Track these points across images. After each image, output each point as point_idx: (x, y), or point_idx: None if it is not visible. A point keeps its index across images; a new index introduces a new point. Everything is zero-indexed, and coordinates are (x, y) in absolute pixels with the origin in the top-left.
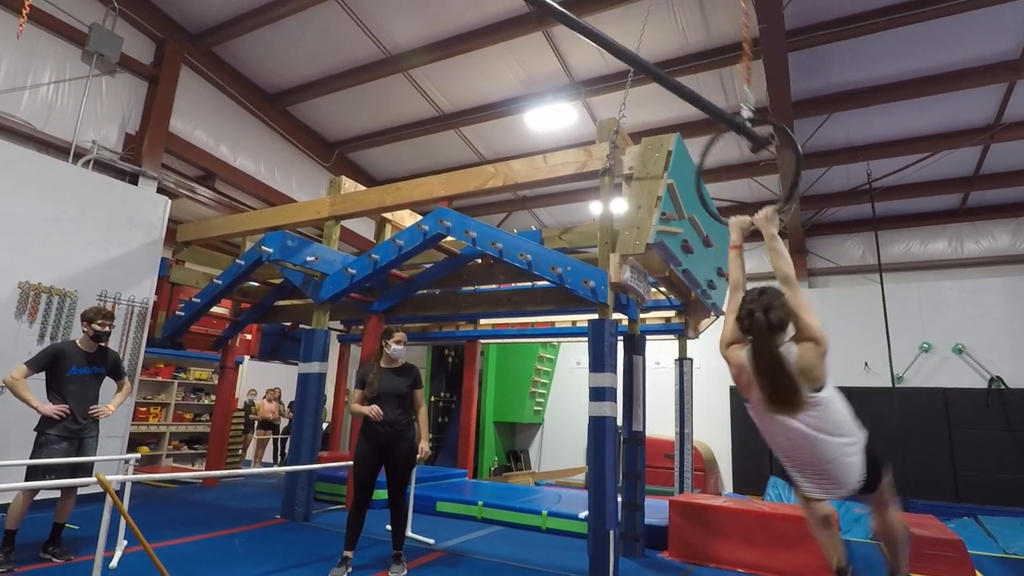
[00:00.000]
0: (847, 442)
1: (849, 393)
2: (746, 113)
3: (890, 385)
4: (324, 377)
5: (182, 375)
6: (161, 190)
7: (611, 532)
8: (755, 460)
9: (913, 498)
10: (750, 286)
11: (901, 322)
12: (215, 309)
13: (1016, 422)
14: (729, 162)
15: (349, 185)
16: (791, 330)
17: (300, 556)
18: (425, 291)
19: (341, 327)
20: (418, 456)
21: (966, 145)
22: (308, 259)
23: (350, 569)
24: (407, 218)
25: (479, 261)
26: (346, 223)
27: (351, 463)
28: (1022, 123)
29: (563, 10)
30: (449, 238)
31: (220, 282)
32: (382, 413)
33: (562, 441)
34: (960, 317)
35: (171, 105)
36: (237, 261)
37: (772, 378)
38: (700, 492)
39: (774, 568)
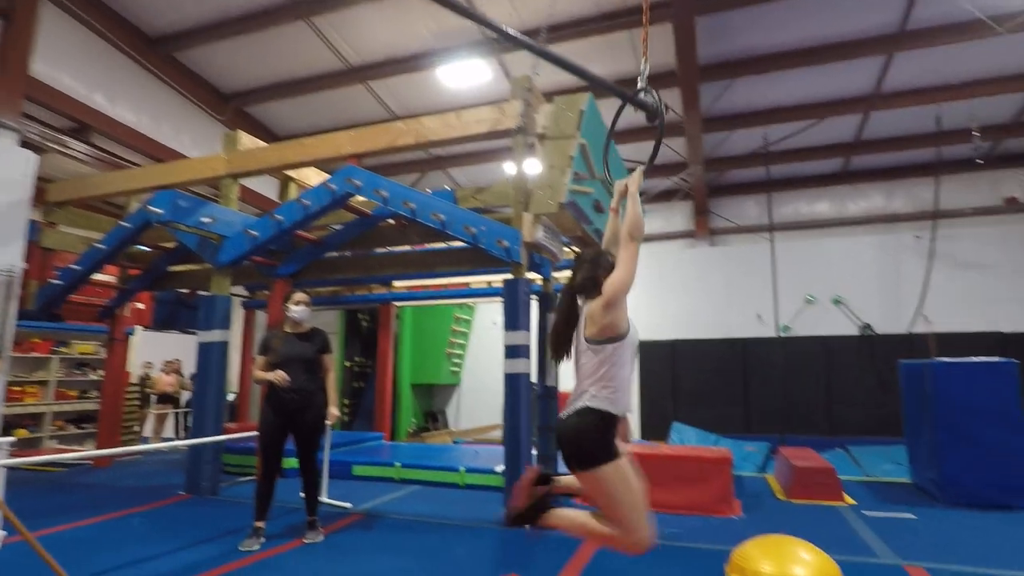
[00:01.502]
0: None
1: (744, 343)
2: (640, 84)
3: (779, 334)
4: (227, 346)
5: (63, 349)
6: (26, 144)
7: None
8: (660, 409)
9: (794, 434)
10: (667, 244)
11: (789, 277)
12: (99, 276)
13: (882, 364)
14: (638, 125)
15: (247, 141)
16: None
17: (208, 531)
18: (335, 253)
19: (245, 293)
20: (327, 421)
21: (849, 112)
22: (203, 221)
23: (262, 539)
24: (313, 177)
25: (391, 222)
26: (246, 182)
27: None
28: (897, 93)
29: None
30: (359, 198)
31: (103, 247)
32: (288, 379)
33: (480, 400)
34: (840, 272)
35: (30, 45)
36: (122, 223)
37: (554, 333)
38: None
39: (676, 504)
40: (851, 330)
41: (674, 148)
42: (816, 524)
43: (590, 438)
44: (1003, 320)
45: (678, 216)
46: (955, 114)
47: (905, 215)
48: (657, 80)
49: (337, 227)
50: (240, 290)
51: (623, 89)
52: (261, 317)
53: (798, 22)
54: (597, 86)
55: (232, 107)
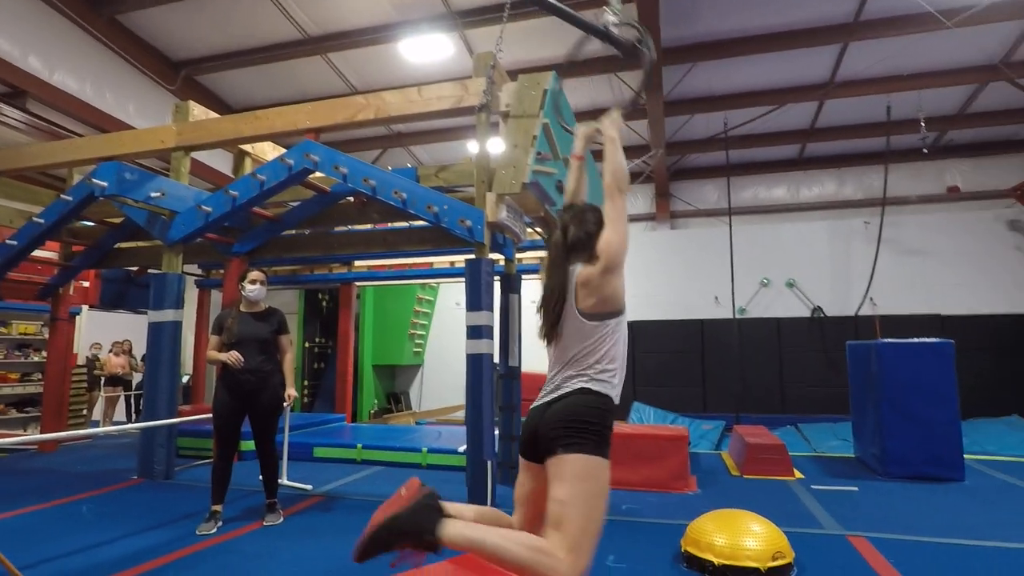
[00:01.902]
0: (571, 374)
1: (702, 324)
2: (611, 18)
3: (732, 317)
4: (180, 326)
5: (2, 330)
6: None
7: (488, 462)
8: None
9: (748, 412)
10: (629, 227)
11: (746, 260)
12: (39, 253)
13: (830, 344)
14: (590, 55)
15: (199, 112)
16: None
17: (162, 515)
18: (293, 231)
19: (199, 271)
20: (285, 403)
21: (806, 100)
22: (153, 195)
23: (220, 523)
24: (269, 151)
25: (351, 200)
26: (198, 156)
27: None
28: (851, 83)
29: None
30: (318, 174)
31: (42, 221)
32: (242, 360)
33: (443, 381)
34: (793, 255)
35: None
36: (63, 197)
37: (547, 307)
38: None
39: (635, 481)
40: (803, 312)
41: (636, 131)
42: (767, 498)
43: (594, 416)
44: (942, 303)
45: (640, 199)
46: (904, 105)
47: (856, 201)
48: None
49: (295, 204)
50: (194, 268)
51: (597, 25)
52: (216, 297)
53: (759, 8)
54: (582, 28)
55: (183, 76)
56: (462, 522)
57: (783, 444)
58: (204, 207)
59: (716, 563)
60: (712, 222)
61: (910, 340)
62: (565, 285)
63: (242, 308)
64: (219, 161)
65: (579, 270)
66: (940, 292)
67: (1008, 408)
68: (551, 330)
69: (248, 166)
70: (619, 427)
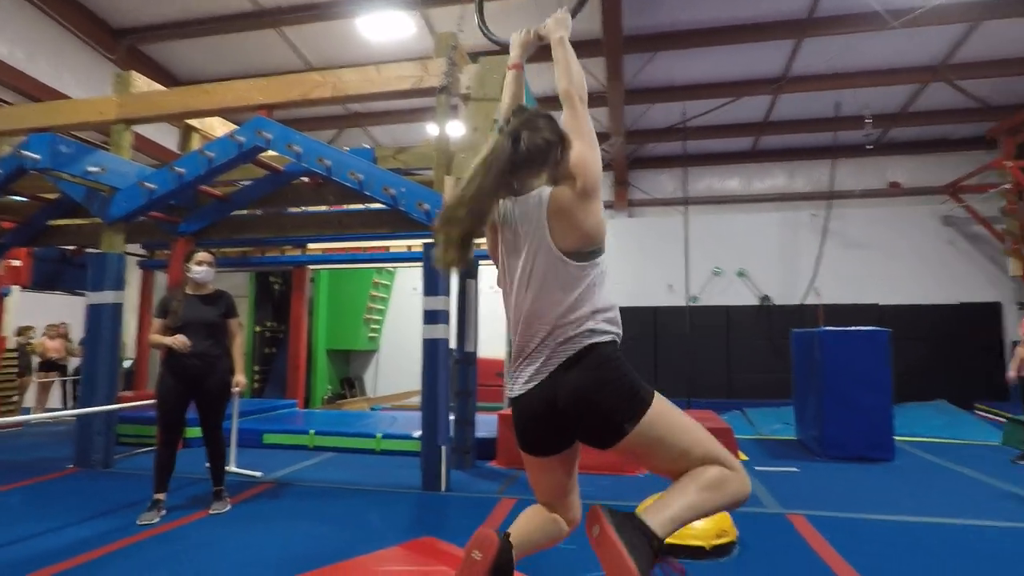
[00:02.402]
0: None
1: (655, 311)
2: None
3: (686, 304)
4: (120, 308)
5: None
6: None
7: (442, 447)
8: None
9: (698, 397)
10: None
11: (700, 249)
12: None
13: (776, 333)
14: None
15: (143, 83)
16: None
17: (100, 505)
18: (244, 212)
19: (142, 252)
20: (234, 389)
21: (761, 93)
22: (91, 170)
23: (163, 512)
24: (218, 127)
25: (306, 180)
26: (141, 130)
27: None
28: (803, 78)
29: None
30: (270, 152)
31: None
32: (189, 344)
33: (399, 366)
34: (745, 245)
35: None
36: None
37: (453, 228)
38: None
39: (589, 465)
40: (752, 301)
41: (596, 118)
42: None
43: (623, 368)
44: (881, 294)
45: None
46: (852, 102)
47: (804, 194)
48: (581, 48)
49: (246, 183)
50: (137, 249)
51: None
52: (162, 279)
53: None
54: None
55: (125, 45)
56: (653, 508)
57: (730, 428)
58: (147, 184)
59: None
60: (668, 211)
61: (849, 328)
62: (487, 210)
63: (188, 291)
64: (163, 135)
65: (549, 196)
66: (879, 283)
67: (937, 393)
68: (460, 253)
69: (196, 142)
70: None
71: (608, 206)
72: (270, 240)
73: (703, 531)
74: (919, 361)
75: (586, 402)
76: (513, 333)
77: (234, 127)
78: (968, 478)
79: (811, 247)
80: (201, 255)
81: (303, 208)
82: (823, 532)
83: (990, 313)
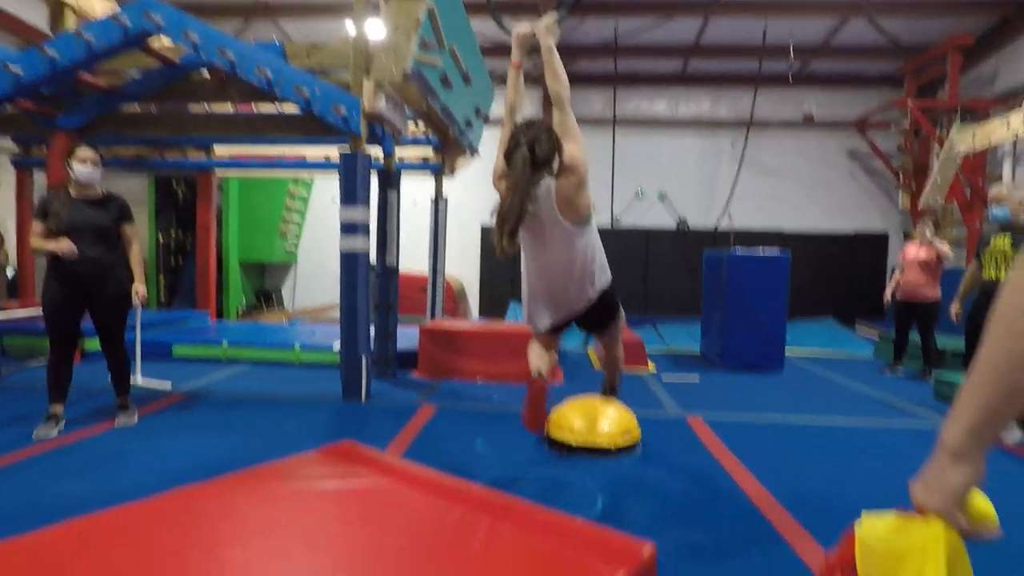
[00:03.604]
0: (592, 270)
1: None
2: None
3: (610, 226)
4: None
5: None
6: None
7: (363, 357)
8: (499, 289)
9: None
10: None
11: (625, 171)
12: None
13: (691, 254)
14: None
15: None
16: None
17: None
18: (137, 108)
19: (15, 148)
20: (136, 300)
21: (693, 15)
22: None
23: (61, 424)
24: (98, 5)
25: (207, 75)
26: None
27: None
28: (734, 4)
29: None
30: (163, 40)
31: None
32: (76, 250)
33: (318, 279)
34: (667, 169)
35: None
36: None
37: (508, 222)
38: (450, 319)
39: (508, 374)
40: (670, 223)
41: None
42: (623, 387)
43: (617, 302)
44: (787, 220)
45: (527, 105)
46: (777, 32)
47: (727, 122)
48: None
49: (136, 75)
50: (8, 144)
51: None
52: (41, 178)
53: None
54: None
55: None
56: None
57: (641, 340)
58: (12, 66)
59: (574, 443)
60: (595, 130)
61: (754, 252)
62: (526, 202)
63: (73, 193)
64: (28, 10)
65: (554, 187)
66: (786, 210)
67: (826, 311)
68: (511, 235)
69: (70, 21)
70: (494, 325)
71: None
72: (167, 140)
73: (610, 434)
74: (813, 282)
75: (600, 311)
76: (537, 278)
77: (117, 7)
78: (843, 386)
79: (728, 174)
80: (84, 152)
81: (206, 107)
82: (717, 432)
83: (879, 242)
